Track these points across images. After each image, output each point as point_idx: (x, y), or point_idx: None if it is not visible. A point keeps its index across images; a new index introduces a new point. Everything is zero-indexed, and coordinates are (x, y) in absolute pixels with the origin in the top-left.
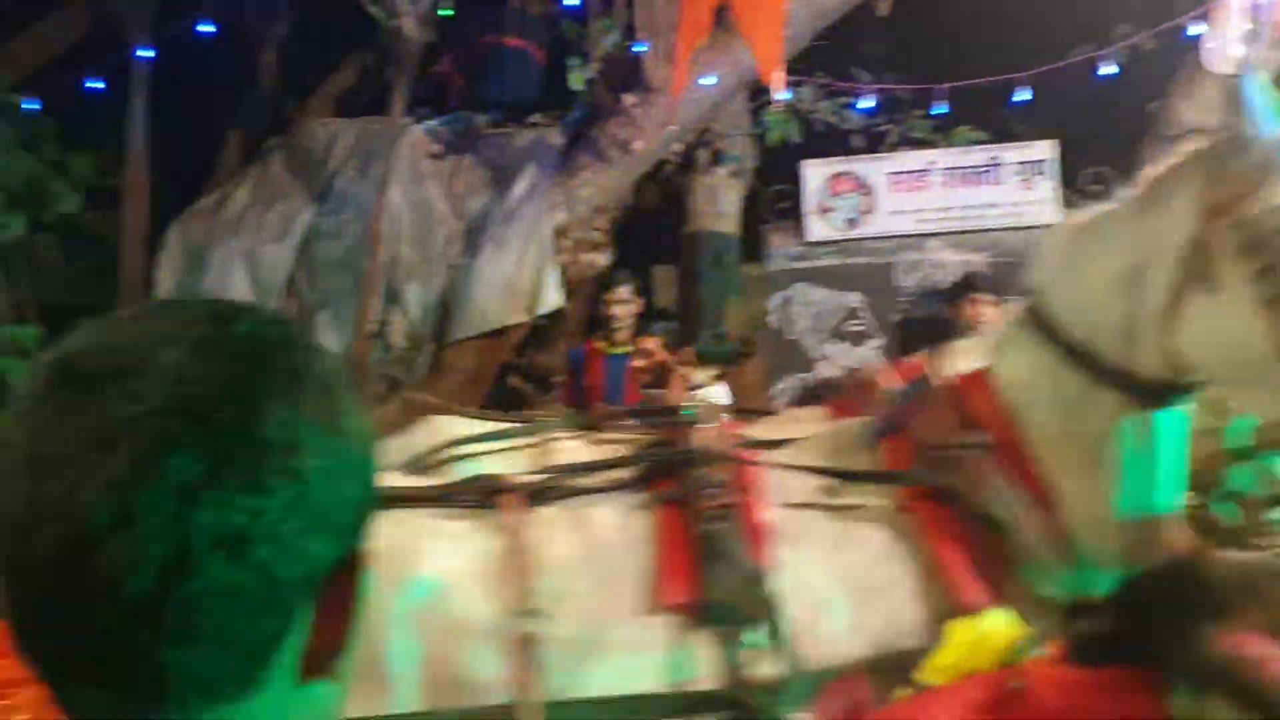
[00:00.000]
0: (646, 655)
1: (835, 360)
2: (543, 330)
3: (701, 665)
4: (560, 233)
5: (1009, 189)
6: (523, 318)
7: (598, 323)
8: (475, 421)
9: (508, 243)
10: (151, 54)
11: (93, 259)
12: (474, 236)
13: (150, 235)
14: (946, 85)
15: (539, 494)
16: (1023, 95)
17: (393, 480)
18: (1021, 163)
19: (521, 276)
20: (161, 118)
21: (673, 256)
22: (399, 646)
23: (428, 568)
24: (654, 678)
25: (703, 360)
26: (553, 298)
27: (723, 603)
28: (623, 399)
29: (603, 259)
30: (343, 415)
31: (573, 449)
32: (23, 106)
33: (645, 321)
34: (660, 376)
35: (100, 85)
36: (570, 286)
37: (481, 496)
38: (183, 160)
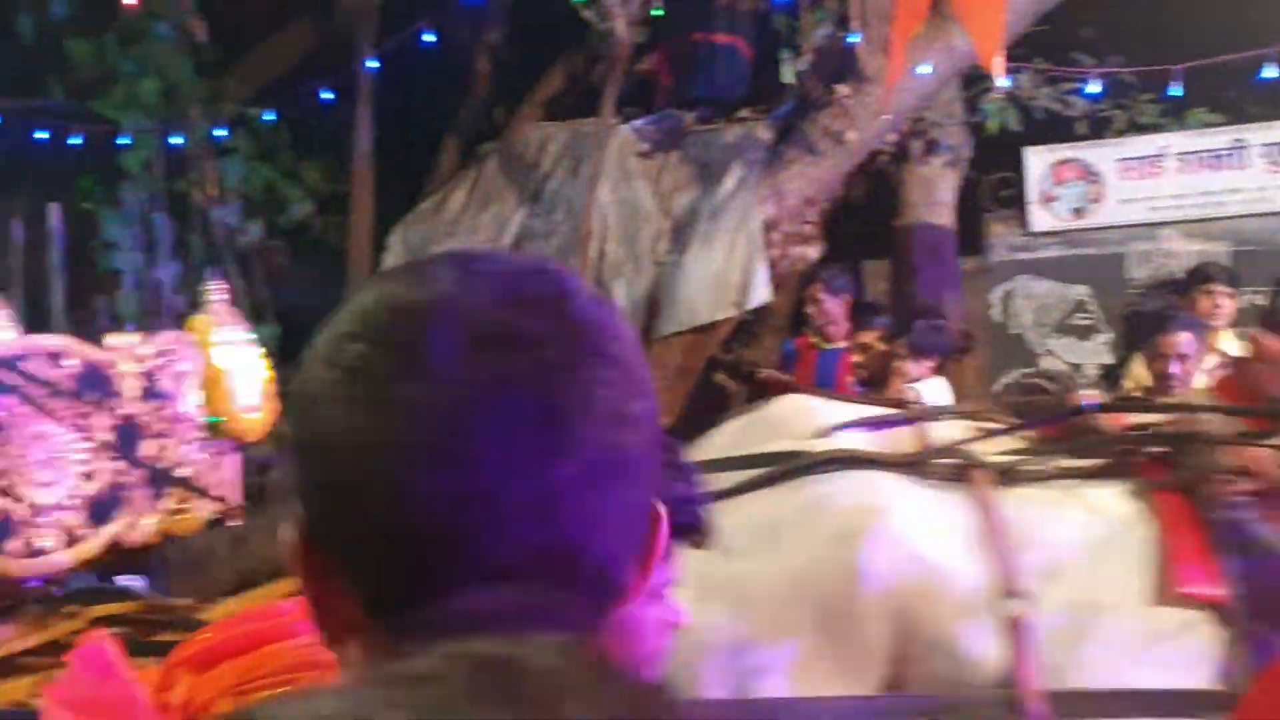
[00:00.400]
0: (1159, 645)
1: (1060, 355)
2: (748, 325)
3: (1218, 661)
4: (769, 227)
5: (1254, 173)
6: (730, 313)
7: (806, 317)
8: (833, 403)
9: (715, 238)
10: (376, 64)
11: (323, 262)
12: (682, 233)
13: (375, 238)
14: (1180, 66)
15: (1009, 472)
16: (1269, 72)
17: (852, 443)
18: (1268, 144)
19: (730, 271)
20: (383, 125)
21: (884, 249)
22: (869, 595)
23: (899, 526)
24: (1167, 671)
25: (919, 353)
26: (761, 293)
27: (1252, 596)
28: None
29: (813, 252)
30: None
31: (955, 431)
32: (261, 118)
33: (856, 315)
34: (878, 371)
35: (330, 96)
36: (778, 281)
37: (952, 469)
38: (404, 165)
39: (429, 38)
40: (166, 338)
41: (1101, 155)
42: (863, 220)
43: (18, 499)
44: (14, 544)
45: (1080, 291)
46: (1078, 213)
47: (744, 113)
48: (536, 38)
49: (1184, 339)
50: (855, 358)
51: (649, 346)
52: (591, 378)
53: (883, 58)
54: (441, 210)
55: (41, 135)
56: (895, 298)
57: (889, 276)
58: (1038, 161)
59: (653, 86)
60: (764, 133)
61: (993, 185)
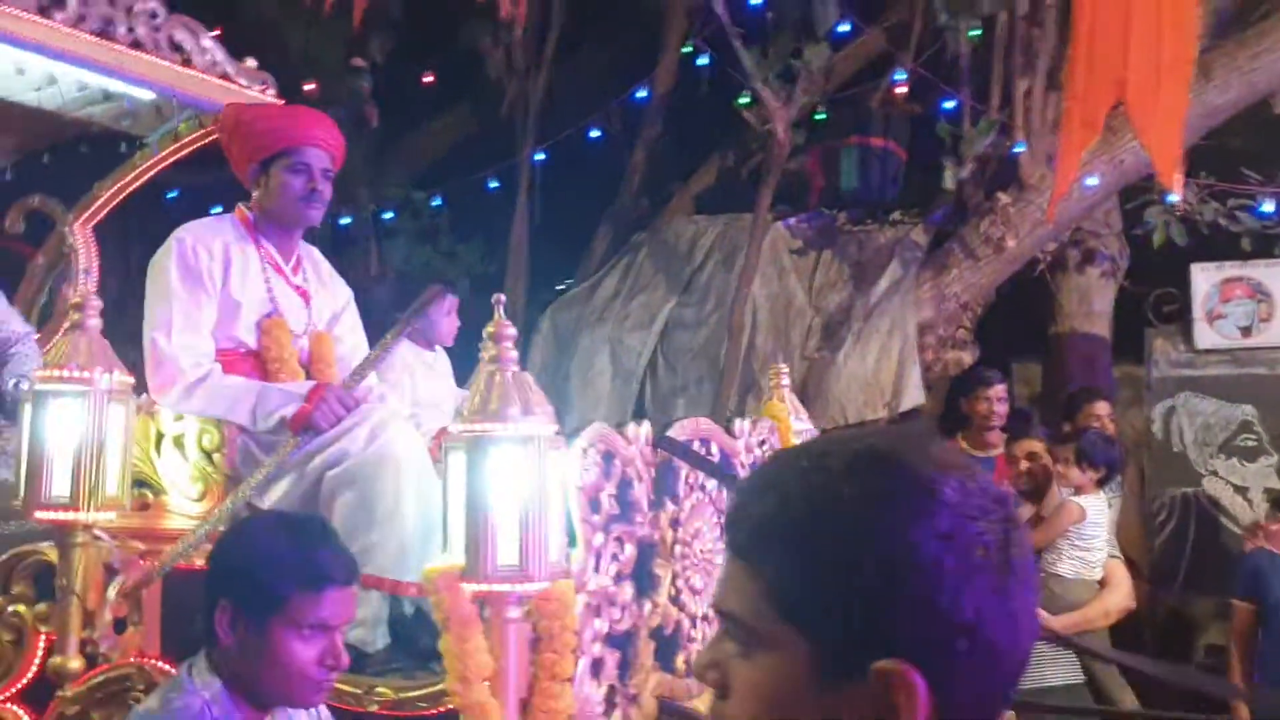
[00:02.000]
0: None
1: (1225, 476)
2: (896, 423)
3: None
4: (924, 329)
5: None
6: (881, 413)
7: (956, 421)
8: None
9: (869, 337)
10: (542, 156)
11: (472, 338)
12: (833, 330)
13: (526, 319)
14: None
15: None
16: None
17: None
18: None
19: (882, 371)
20: (540, 209)
21: (1035, 354)
22: None
23: None
24: None
25: (1086, 463)
26: (914, 394)
27: None
28: None
29: (967, 357)
30: None
31: None
32: (427, 202)
33: (1010, 423)
34: (1042, 482)
35: (496, 184)
36: (930, 384)
37: None
38: (558, 251)
39: (595, 134)
40: (765, 425)
41: (1272, 274)
42: (1016, 324)
43: (681, 607)
44: (679, 660)
45: (1247, 411)
46: (1246, 331)
47: (896, 215)
48: (692, 133)
49: None
50: (1023, 466)
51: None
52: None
53: (1046, 167)
54: (592, 296)
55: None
56: (1046, 405)
57: (1041, 384)
58: (1204, 277)
59: (806, 185)
60: (920, 236)
61: (1156, 299)
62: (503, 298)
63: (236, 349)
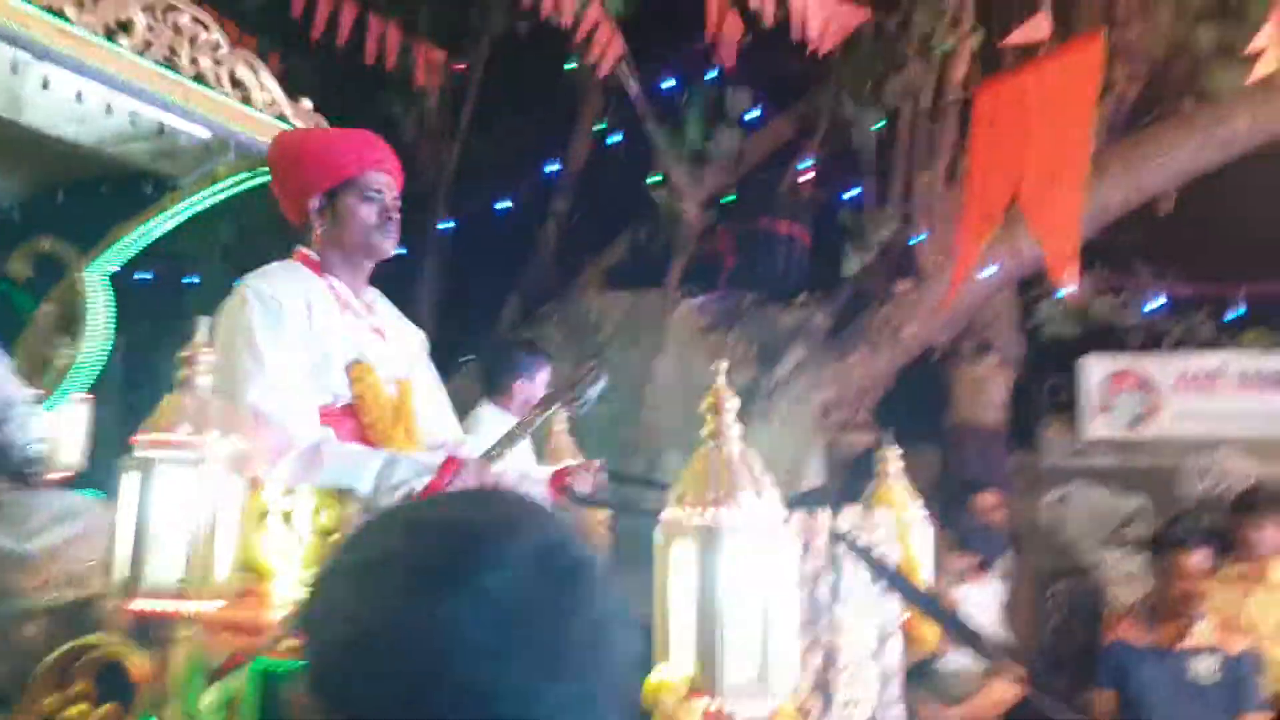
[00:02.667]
0: None
1: (1113, 566)
2: (791, 507)
3: None
4: (825, 411)
5: None
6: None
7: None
8: None
9: (772, 417)
10: (451, 225)
11: None
12: (739, 409)
13: None
14: (1241, 288)
15: None
16: None
17: None
18: None
19: (784, 451)
20: (448, 279)
21: (933, 442)
22: None
23: None
24: None
25: (962, 549)
26: (812, 477)
27: None
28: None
29: (865, 440)
30: None
31: None
32: None
33: None
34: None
35: (404, 250)
36: (831, 465)
37: None
38: (465, 321)
39: (504, 205)
40: (880, 514)
41: (1160, 368)
42: (913, 411)
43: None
44: None
45: (1135, 502)
46: (1134, 423)
47: (801, 299)
48: (604, 208)
49: (1195, 559)
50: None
51: None
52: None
53: (945, 257)
54: None
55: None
56: (941, 491)
57: (938, 471)
58: (1095, 369)
59: (715, 265)
60: (822, 320)
61: (1049, 390)
62: (725, 364)
63: (334, 404)
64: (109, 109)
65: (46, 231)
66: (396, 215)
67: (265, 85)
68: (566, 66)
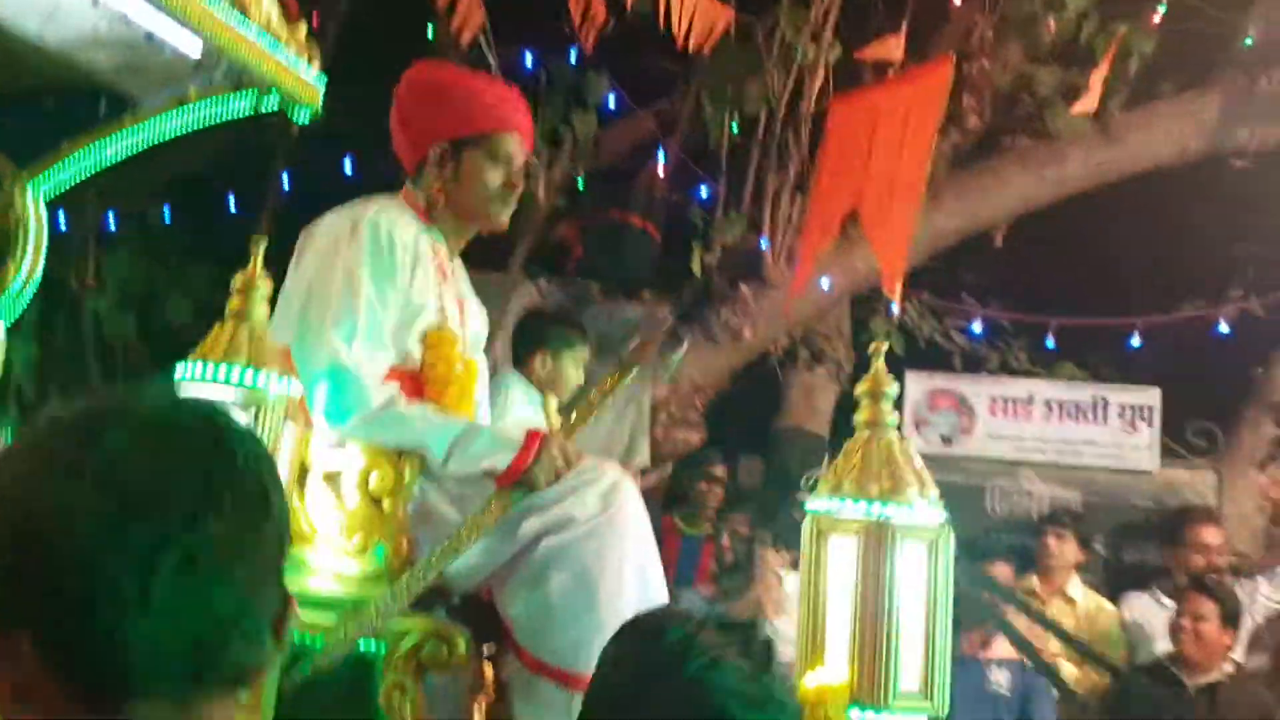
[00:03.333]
0: None
1: None
2: None
3: None
4: (658, 407)
5: (1111, 430)
6: None
7: (677, 500)
8: None
9: (604, 408)
10: (286, 186)
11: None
12: (574, 397)
13: None
14: (1056, 322)
15: None
16: (1132, 341)
17: None
18: (1126, 406)
19: (615, 442)
20: (287, 243)
21: (759, 449)
22: None
23: None
24: None
25: (780, 545)
26: (640, 460)
27: None
28: (695, 579)
29: (695, 438)
30: None
31: None
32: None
33: (727, 506)
34: (743, 560)
35: (237, 210)
36: (657, 460)
37: None
38: None
39: (352, 176)
40: None
41: (976, 389)
42: (743, 417)
43: None
44: None
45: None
46: (947, 440)
47: (647, 293)
48: None
49: (1000, 571)
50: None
51: None
52: None
53: (786, 266)
54: None
55: None
56: (765, 493)
57: (763, 477)
58: (916, 386)
59: (563, 251)
60: (665, 315)
61: None
62: (884, 346)
63: (402, 365)
64: (95, 2)
65: None
66: (519, 186)
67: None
68: (429, 37)
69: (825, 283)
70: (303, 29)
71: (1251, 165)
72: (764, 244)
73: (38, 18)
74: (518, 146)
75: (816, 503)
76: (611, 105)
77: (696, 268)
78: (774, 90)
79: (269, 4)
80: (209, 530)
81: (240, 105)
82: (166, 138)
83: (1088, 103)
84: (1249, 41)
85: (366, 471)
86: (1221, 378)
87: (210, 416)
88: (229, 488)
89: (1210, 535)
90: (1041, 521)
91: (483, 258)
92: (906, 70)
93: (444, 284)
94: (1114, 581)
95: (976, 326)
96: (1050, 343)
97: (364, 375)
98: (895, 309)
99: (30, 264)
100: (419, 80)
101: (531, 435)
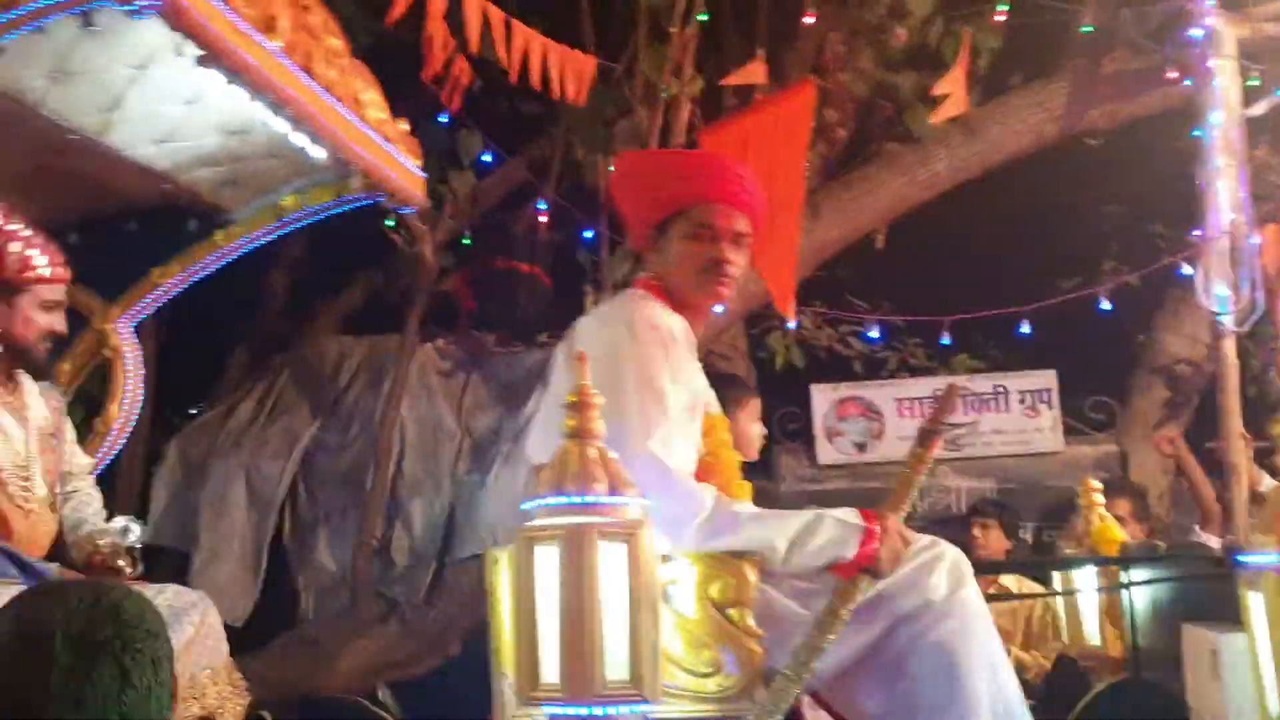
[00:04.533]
0: None
1: None
2: None
3: None
4: None
5: (1014, 417)
6: None
7: None
8: None
9: (518, 460)
10: None
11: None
12: (483, 452)
13: (149, 447)
14: (948, 318)
15: None
16: (1022, 327)
17: None
18: (1025, 391)
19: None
20: (168, 330)
21: None
22: None
23: None
24: None
25: None
26: None
27: None
28: None
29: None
30: None
31: None
32: None
33: None
34: None
35: None
36: None
37: None
38: (188, 372)
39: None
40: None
41: (881, 394)
42: None
43: None
44: None
45: None
46: (860, 447)
47: (543, 338)
48: (337, 253)
49: None
50: None
51: (445, 569)
52: None
53: None
54: (227, 421)
55: None
56: None
57: None
58: (822, 398)
59: (454, 307)
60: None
61: (782, 418)
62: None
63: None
64: (221, 121)
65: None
66: (731, 258)
67: (375, 101)
68: None
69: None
70: (403, 125)
71: (1104, 143)
72: None
73: (154, 140)
74: (722, 215)
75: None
76: (487, 158)
77: (589, 308)
78: (643, 128)
79: (379, 101)
80: None
81: (339, 206)
82: (257, 245)
83: (954, 106)
84: (1088, 29)
85: (705, 581)
86: (1110, 351)
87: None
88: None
89: (1119, 507)
90: (967, 514)
91: (379, 324)
92: (769, 95)
93: (698, 366)
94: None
95: (873, 331)
96: (945, 339)
97: (689, 480)
98: (792, 325)
99: (131, 399)
100: (620, 172)
101: (869, 517)
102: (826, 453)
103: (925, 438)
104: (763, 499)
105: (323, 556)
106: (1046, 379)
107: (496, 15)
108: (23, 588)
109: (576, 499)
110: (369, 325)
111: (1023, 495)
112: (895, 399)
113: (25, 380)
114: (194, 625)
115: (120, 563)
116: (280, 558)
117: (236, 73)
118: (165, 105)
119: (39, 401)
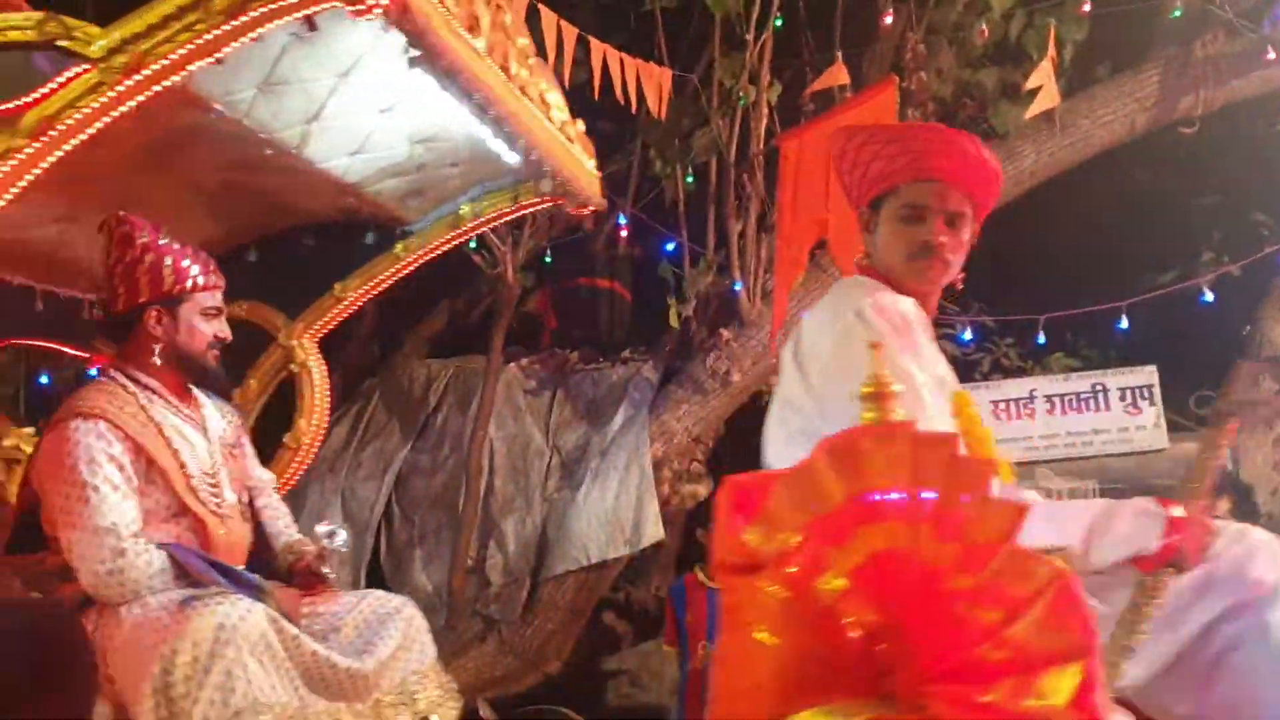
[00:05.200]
0: None
1: None
2: (636, 563)
3: None
4: (659, 465)
5: (1115, 415)
6: (623, 551)
7: (695, 554)
8: None
9: (607, 475)
10: None
11: None
12: (571, 469)
13: None
14: (1042, 316)
15: None
16: (1121, 323)
17: None
18: (1125, 388)
19: (622, 510)
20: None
21: None
22: None
23: None
24: None
25: None
26: (653, 530)
27: None
28: None
29: (702, 490)
30: None
31: None
32: None
33: None
34: None
35: None
36: (669, 518)
37: None
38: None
39: None
40: None
41: (976, 397)
42: (746, 455)
43: None
44: None
45: None
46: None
47: (626, 353)
48: (421, 277)
49: None
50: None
51: (540, 586)
52: None
53: (763, 304)
54: (321, 446)
55: None
56: None
57: None
58: None
59: (538, 326)
60: (650, 372)
61: None
62: None
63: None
64: (413, 129)
65: (243, 294)
66: (944, 240)
67: (558, 102)
68: None
69: (806, 314)
70: (580, 125)
71: (1200, 130)
72: (737, 286)
73: (348, 152)
74: (938, 192)
75: None
76: None
77: (674, 320)
78: (722, 138)
79: (560, 101)
80: None
81: (516, 212)
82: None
83: (1046, 100)
84: (1177, 13)
85: None
86: (1213, 343)
87: None
88: None
89: (1219, 506)
90: None
91: (465, 346)
92: (849, 98)
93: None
94: None
95: (966, 334)
96: (1040, 338)
97: None
98: None
99: (320, 415)
100: (838, 149)
101: (1169, 505)
102: None
103: (1220, 418)
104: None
105: (419, 577)
106: (1147, 375)
107: (570, 32)
108: (235, 596)
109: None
110: (454, 348)
111: (1127, 495)
112: (990, 401)
113: (201, 395)
114: (400, 630)
115: (325, 569)
116: (377, 579)
117: (450, 74)
118: (362, 115)
119: (216, 414)
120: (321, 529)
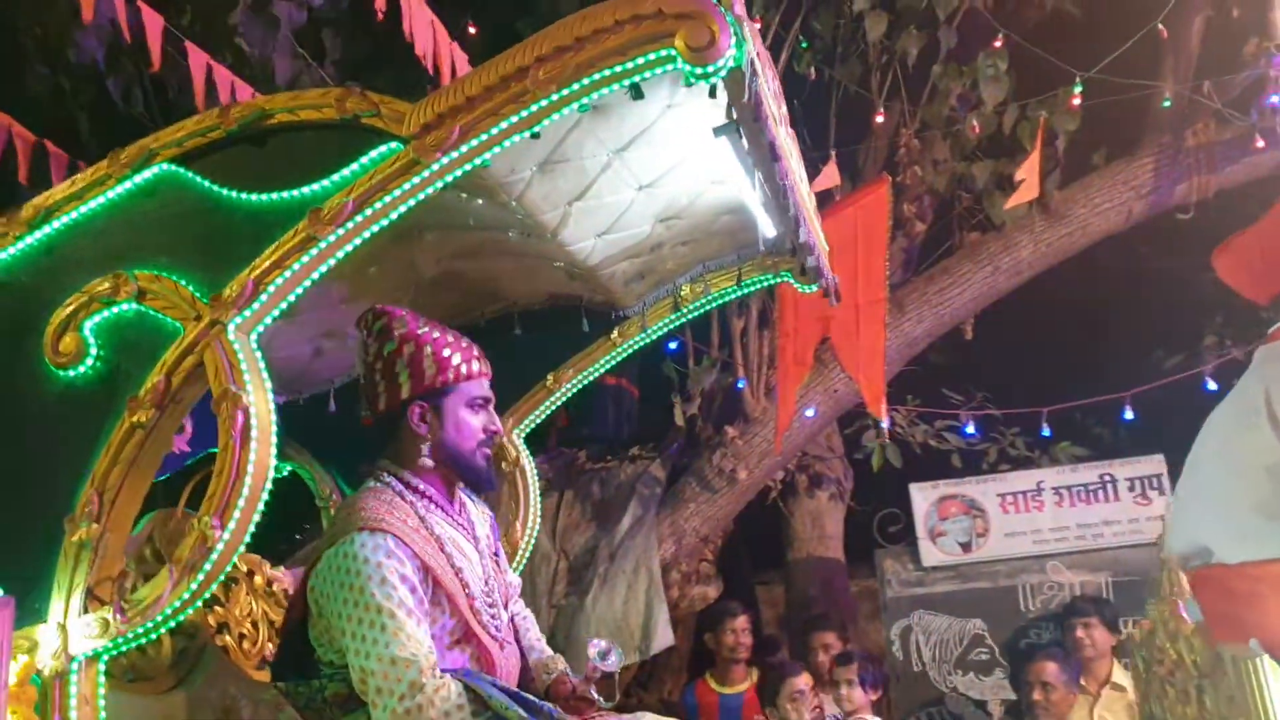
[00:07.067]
0: None
1: (963, 691)
2: (646, 666)
3: None
4: (668, 567)
5: (1124, 505)
6: (633, 659)
7: (703, 657)
8: None
9: (615, 581)
10: None
11: None
12: (579, 574)
13: None
14: (1045, 409)
15: None
16: (1125, 414)
17: None
18: (1134, 479)
19: (631, 615)
20: None
21: (777, 575)
22: None
23: None
24: None
25: (867, 685)
26: (664, 635)
27: None
28: None
29: (712, 592)
30: None
31: None
32: None
33: (756, 653)
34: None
35: None
36: (679, 621)
37: None
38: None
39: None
40: None
41: (982, 490)
42: (755, 548)
43: None
44: None
45: (977, 625)
46: (965, 547)
47: (634, 451)
48: None
49: (1049, 669)
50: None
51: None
52: None
53: (767, 400)
54: None
55: None
56: (788, 629)
57: (783, 607)
58: (922, 497)
59: (546, 425)
60: (658, 470)
61: (882, 520)
62: None
63: None
64: (661, 207)
65: None
66: None
67: (800, 170)
68: None
69: (810, 411)
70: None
71: (1195, 215)
72: (741, 384)
73: (596, 233)
74: None
75: None
76: None
77: (679, 419)
78: None
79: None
80: None
81: (739, 292)
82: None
83: (1028, 191)
84: (1167, 103)
85: None
86: None
87: None
88: None
89: None
90: (1069, 609)
91: None
92: (845, 196)
93: None
94: None
95: (970, 426)
96: (1045, 430)
97: None
98: (885, 424)
99: (533, 515)
100: (1225, 262)
101: None
102: (931, 554)
103: None
104: (868, 602)
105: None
106: (1155, 464)
107: None
108: None
109: None
110: None
111: (1140, 587)
112: (998, 494)
113: (463, 494)
114: None
115: (593, 692)
116: None
117: (760, 141)
118: (622, 192)
119: (481, 519)
120: (596, 646)
